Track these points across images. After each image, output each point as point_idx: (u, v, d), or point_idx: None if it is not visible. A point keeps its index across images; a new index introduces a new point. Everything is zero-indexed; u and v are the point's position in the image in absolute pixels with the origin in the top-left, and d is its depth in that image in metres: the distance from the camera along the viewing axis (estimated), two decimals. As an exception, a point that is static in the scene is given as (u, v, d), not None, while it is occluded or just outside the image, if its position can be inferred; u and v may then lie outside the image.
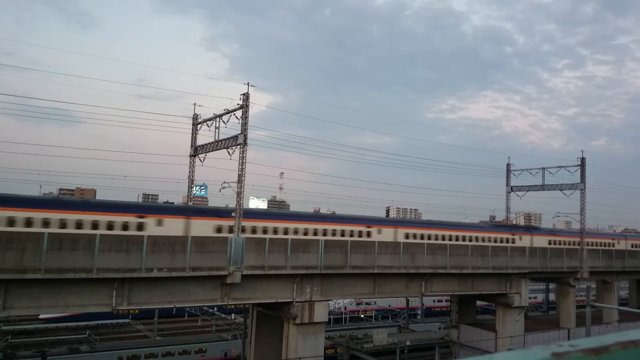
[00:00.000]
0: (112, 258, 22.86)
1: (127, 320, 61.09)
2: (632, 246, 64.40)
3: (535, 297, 75.86)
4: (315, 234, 39.96)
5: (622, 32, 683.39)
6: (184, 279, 25.17)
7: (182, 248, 24.64)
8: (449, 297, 49.42)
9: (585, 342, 1.11)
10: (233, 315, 58.55)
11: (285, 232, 39.10)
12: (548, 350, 1.04)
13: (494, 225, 60.59)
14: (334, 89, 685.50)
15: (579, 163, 45.88)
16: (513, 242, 50.57)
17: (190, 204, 41.55)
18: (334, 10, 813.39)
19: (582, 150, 46.31)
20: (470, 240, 48.42)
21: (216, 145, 33.49)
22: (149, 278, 24.05)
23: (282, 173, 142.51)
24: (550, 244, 52.96)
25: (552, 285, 67.32)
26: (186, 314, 63.51)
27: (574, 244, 53.40)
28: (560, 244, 54.74)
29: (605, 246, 58.70)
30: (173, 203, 64.64)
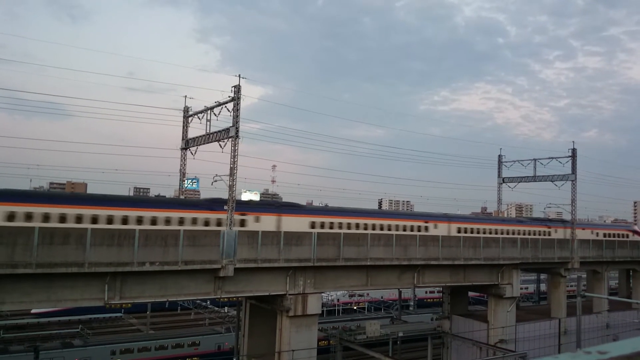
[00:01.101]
0: (104, 252, 22.71)
1: (119, 315, 60.95)
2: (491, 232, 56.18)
3: (526, 288, 76.55)
4: None
5: (613, 24, 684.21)
6: (176, 272, 25.07)
7: (175, 242, 24.52)
8: (441, 289, 49.70)
9: (614, 347, 1.06)
10: (226, 308, 58.54)
11: None
12: (576, 358, 0.99)
13: (210, 200, 44.69)
14: (326, 80, 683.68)
15: (570, 154, 46.13)
16: (243, 225, 38.13)
17: (182, 197, 41.40)
18: (326, 1, 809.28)
19: (573, 142, 46.52)
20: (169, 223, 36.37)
21: (208, 138, 33.28)
22: (141, 272, 23.93)
23: (274, 166, 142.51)
24: (313, 226, 42.00)
25: (543, 276, 67.93)
26: (179, 307, 63.45)
27: (355, 227, 44.79)
28: (338, 227, 43.89)
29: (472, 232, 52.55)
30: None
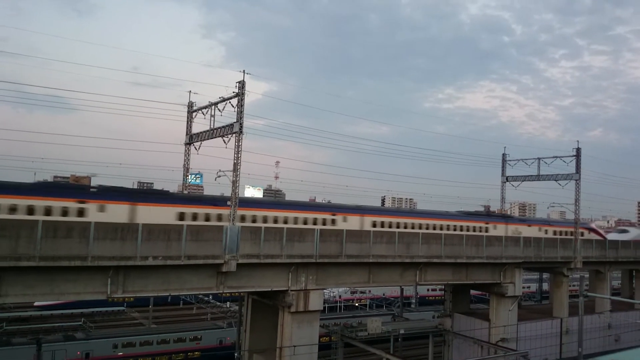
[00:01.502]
0: (107, 246, 22.78)
1: (122, 308, 61.20)
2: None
3: (528, 287, 76.34)
4: None
5: (620, 23, 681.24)
6: (179, 267, 25.13)
7: (178, 236, 24.57)
8: (443, 286, 49.60)
9: (625, 357, 1.04)
10: (228, 303, 58.71)
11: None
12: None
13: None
14: (330, 77, 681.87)
15: (575, 153, 45.98)
16: (81, 215, 32.49)
17: (185, 192, 41.45)
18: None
19: (578, 141, 46.35)
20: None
21: (212, 133, 33.35)
22: (144, 266, 23.99)
23: (277, 162, 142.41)
24: (181, 218, 36.07)
25: (545, 275, 67.77)
26: (181, 302, 63.65)
27: (241, 219, 38.02)
28: (217, 219, 37.82)
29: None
30: (168, 191, 64.34)
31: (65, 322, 52.30)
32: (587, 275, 57.43)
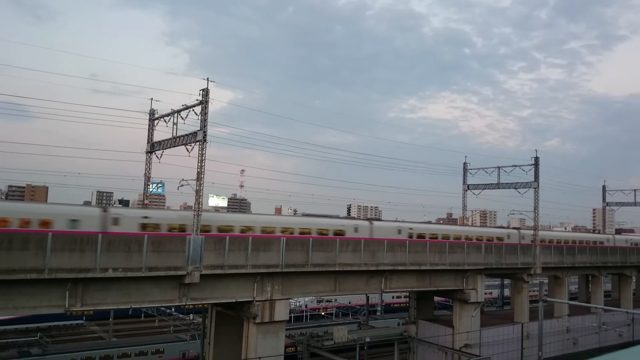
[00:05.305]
0: (65, 258, 22.07)
1: (81, 322, 59.27)
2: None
3: (490, 293, 77.85)
4: None
5: (574, 37, 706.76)
6: (140, 279, 24.55)
7: (138, 247, 24.02)
8: (407, 294, 50.02)
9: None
10: (191, 315, 57.63)
11: None
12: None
13: None
14: (298, 87, 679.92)
15: (533, 162, 47.28)
16: None
17: (146, 202, 40.57)
18: (296, 8, 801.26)
19: (536, 150, 47.72)
20: None
21: (174, 141, 32.80)
22: (103, 278, 23.35)
23: (242, 170, 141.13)
24: None
25: (507, 281, 69.26)
26: (142, 314, 62.14)
27: None
28: None
29: None
30: (128, 201, 61.77)
31: (20, 338, 50.24)
32: (546, 281, 58.98)
